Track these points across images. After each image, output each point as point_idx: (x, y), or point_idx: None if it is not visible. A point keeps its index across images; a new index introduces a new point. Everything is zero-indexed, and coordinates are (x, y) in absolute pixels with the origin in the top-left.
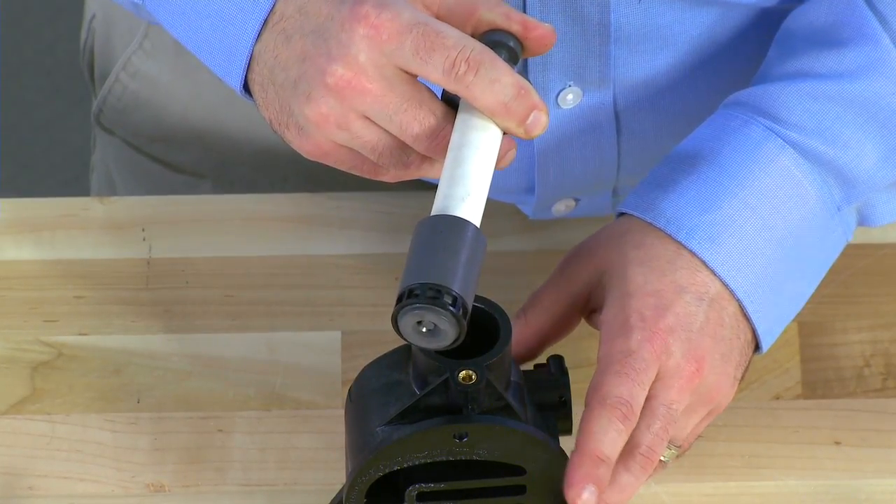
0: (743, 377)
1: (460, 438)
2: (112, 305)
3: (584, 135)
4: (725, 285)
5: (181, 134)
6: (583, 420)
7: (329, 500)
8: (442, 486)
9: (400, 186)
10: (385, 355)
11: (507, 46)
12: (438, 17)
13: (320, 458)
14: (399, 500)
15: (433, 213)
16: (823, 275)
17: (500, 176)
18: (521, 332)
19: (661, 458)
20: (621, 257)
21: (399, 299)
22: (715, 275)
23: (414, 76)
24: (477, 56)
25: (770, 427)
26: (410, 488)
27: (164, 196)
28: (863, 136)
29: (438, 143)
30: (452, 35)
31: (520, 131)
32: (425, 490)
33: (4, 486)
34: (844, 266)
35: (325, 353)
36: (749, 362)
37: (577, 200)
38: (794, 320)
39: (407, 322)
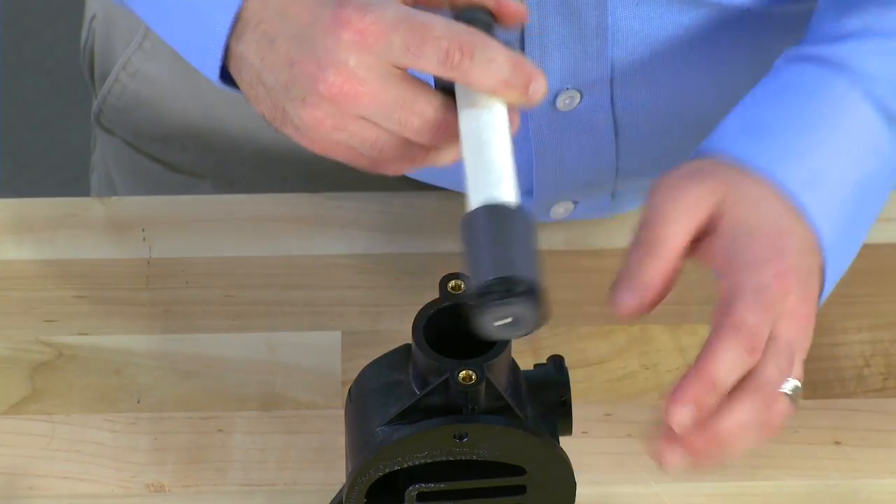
0: None
1: (460, 438)
2: (112, 305)
3: (582, 137)
4: (815, 234)
5: (181, 134)
6: (708, 342)
7: (329, 500)
8: (442, 486)
9: (400, 186)
10: (385, 355)
11: (483, 22)
12: None
13: (320, 458)
14: (399, 500)
15: (475, 205)
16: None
17: None
18: (661, 271)
19: (786, 394)
20: (734, 196)
21: (479, 295)
22: (808, 224)
23: (405, 70)
24: (468, 40)
25: None
26: (410, 488)
27: (164, 196)
28: None
29: (441, 131)
30: (439, 24)
31: (523, 100)
32: (425, 490)
33: (4, 486)
34: None
35: (325, 353)
36: None
37: (575, 203)
38: None
39: (489, 319)
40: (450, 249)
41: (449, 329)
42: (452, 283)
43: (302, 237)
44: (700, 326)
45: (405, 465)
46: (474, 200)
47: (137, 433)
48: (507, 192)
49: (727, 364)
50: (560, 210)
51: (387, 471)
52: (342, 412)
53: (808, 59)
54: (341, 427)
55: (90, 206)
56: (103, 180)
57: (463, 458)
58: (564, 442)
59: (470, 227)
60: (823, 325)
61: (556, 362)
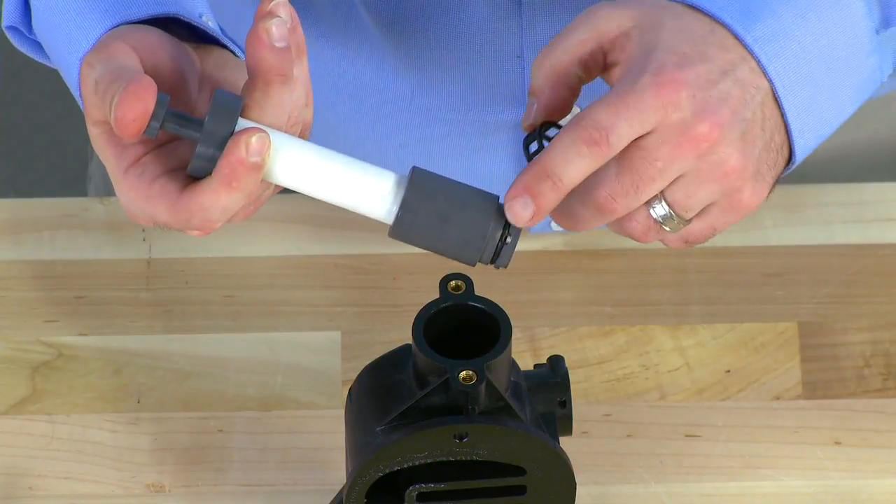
0: (773, 186)
1: (460, 438)
2: (112, 305)
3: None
4: (762, 71)
5: None
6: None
7: (329, 501)
8: (442, 486)
9: None
10: (385, 355)
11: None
12: None
13: (320, 458)
14: (399, 500)
15: (393, 212)
16: (856, 107)
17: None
18: (542, 69)
19: (664, 227)
20: (657, 18)
21: (495, 251)
22: (751, 56)
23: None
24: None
25: (770, 427)
26: (410, 488)
27: None
28: None
29: (208, 208)
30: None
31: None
32: (425, 490)
33: (4, 486)
34: (844, 266)
35: (325, 353)
36: (781, 172)
37: None
38: (794, 320)
39: (508, 253)
40: None
41: (449, 329)
42: (452, 283)
43: (302, 237)
44: (700, 327)
45: (405, 466)
46: (386, 212)
47: (137, 433)
48: (390, 178)
49: (561, 154)
50: None
51: (387, 471)
52: (342, 412)
53: None
54: (341, 427)
55: (90, 206)
56: (101, 188)
57: (463, 459)
58: (564, 442)
59: (414, 223)
60: (823, 325)
61: (556, 362)
